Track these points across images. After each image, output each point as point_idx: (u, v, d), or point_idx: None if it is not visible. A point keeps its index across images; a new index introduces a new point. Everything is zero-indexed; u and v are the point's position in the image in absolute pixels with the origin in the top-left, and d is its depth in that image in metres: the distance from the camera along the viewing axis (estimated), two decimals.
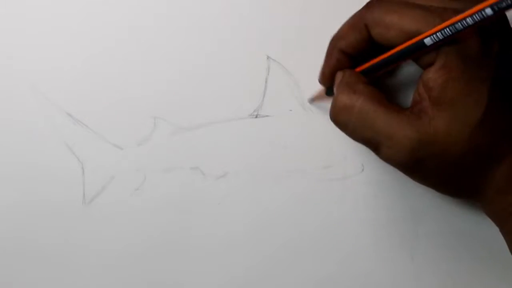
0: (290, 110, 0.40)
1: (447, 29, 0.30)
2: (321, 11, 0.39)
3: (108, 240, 0.40)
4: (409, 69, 0.38)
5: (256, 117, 0.40)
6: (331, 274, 0.40)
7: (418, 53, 0.32)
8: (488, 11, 0.29)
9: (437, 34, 0.31)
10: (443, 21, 0.31)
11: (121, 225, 0.40)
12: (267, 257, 0.40)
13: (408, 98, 0.38)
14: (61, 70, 0.40)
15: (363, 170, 0.39)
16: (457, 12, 0.30)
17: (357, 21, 0.34)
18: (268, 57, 0.39)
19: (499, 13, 0.29)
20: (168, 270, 0.40)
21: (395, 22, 0.32)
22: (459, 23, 0.30)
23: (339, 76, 0.35)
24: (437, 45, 0.31)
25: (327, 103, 0.39)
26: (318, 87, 0.39)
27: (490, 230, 0.39)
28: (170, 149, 0.40)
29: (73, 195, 0.40)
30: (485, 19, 0.29)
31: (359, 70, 0.35)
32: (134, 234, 0.40)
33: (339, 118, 0.34)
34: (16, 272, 0.41)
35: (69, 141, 0.40)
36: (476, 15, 0.30)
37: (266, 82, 0.39)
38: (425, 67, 0.33)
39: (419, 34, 0.31)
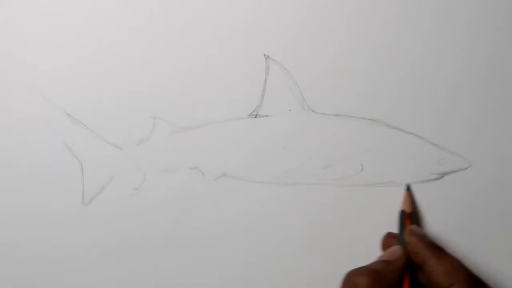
0: (290, 110, 0.40)
1: None
2: (321, 11, 0.39)
3: (107, 239, 0.40)
4: None
5: (255, 117, 0.40)
6: (331, 274, 0.39)
7: None
8: None
9: None
10: None
11: (120, 225, 0.40)
12: (266, 256, 0.40)
13: None
14: (60, 71, 0.40)
15: (362, 170, 0.39)
16: None
17: None
18: (267, 57, 0.39)
19: None
20: (167, 269, 0.40)
21: None
22: None
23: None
24: None
25: (328, 103, 0.39)
26: (318, 89, 0.39)
27: (488, 232, 0.38)
28: (169, 149, 0.40)
29: (73, 195, 0.40)
30: None
31: None
32: (133, 234, 0.40)
33: None
34: (15, 271, 0.41)
35: (68, 141, 0.40)
36: None
37: (265, 82, 0.39)
38: None
39: None
